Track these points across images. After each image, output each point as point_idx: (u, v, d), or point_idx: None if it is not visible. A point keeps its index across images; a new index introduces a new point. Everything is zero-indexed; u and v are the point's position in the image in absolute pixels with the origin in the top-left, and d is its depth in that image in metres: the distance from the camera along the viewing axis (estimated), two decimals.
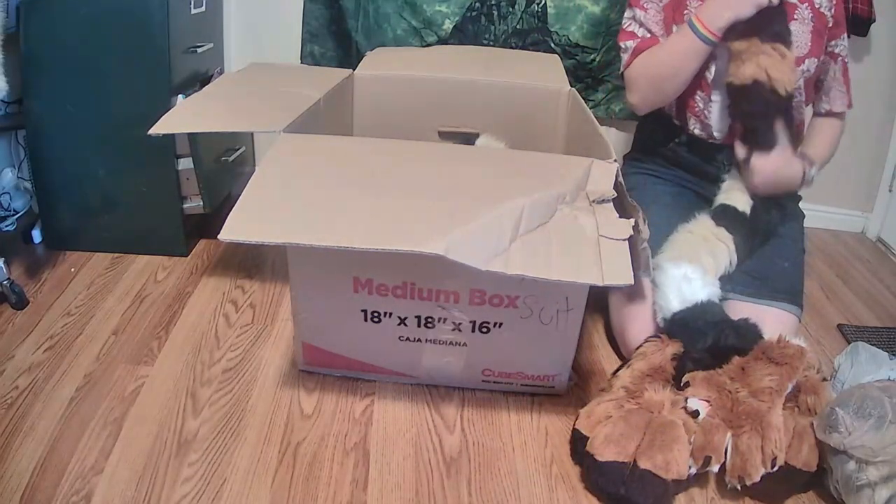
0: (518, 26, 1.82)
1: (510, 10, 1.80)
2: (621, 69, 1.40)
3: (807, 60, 1.28)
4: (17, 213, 1.70)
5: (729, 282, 1.32)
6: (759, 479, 0.98)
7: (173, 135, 1.48)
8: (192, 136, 1.53)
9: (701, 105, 1.35)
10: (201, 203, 1.60)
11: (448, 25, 1.81)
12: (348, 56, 1.85)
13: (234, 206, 0.91)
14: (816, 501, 1.05)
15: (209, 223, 1.65)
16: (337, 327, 1.17)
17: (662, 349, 1.15)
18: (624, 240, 0.93)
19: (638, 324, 1.27)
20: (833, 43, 1.34)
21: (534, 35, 1.82)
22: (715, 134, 1.37)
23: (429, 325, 1.13)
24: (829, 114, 1.41)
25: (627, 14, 1.38)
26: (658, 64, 1.31)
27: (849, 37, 1.38)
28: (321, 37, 1.87)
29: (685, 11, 1.30)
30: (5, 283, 1.37)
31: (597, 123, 1.26)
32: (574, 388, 1.25)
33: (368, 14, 1.79)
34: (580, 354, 1.33)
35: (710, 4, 1.23)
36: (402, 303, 1.11)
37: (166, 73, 1.47)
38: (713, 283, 1.22)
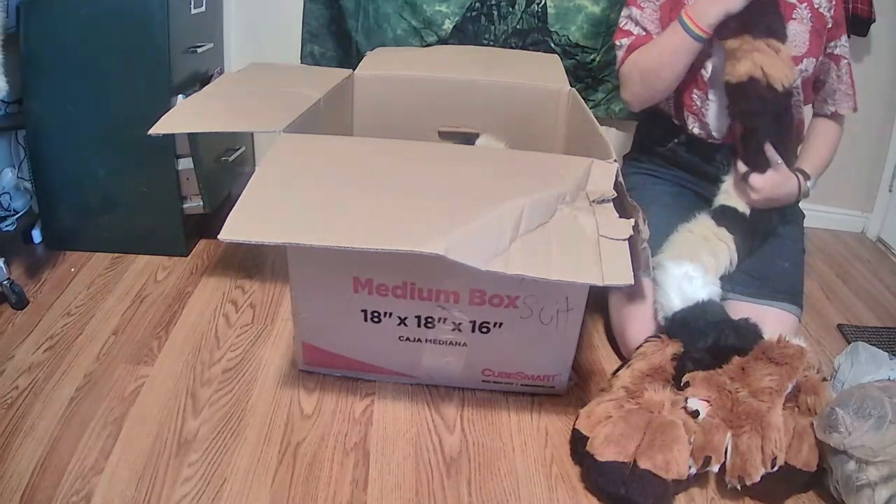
0: (518, 26, 1.82)
1: (510, 10, 1.80)
2: (616, 66, 1.40)
3: (805, 60, 1.28)
4: (17, 213, 1.70)
5: (729, 282, 1.32)
6: (759, 479, 0.98)
7: (173, 135, 1.48)
8: (192, 136, 1.53)
9: (699, 104, 1.35)
10: (201, 203, 1.60)
11: (448, 25, 1.81)
12: (348, 56, 1.85)
13: (234, 206, 0.91)
14: (816, 501, 1.05)
15: (209, 223, 1.65)
16: (337, 327, 1.17)
17: (662, 349, 1.15)
18: (624, 240, 0.93)
19: (638, 324, 1.27)
20: (832, 44, 1.33)
21: (534, 35, 1.82)
22: (714, 133, 1.37)
23: (429, 325, 1.13)
24: (834, 116, 1.40)
25: (624, 13, 1.38)
26: (649, 61, 1.32)
27: (849, 37, 1.37)
28: (321, 37, 1.87)
29: (682, 11, 1.30)
30: (5, 283, 1.37)
31: (597, 123, 1.26)
32: (574, 388, 1.25)
33: (368, 14, 1.79)
34: (580, 354, 1.33)
35: (700, 1, 1.23)
36: (402, 303, 1.11)
37: (166, 73, 1.47)
38: (714, 283, 1.22)
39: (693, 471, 1.02)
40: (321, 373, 1.24)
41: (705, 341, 1.13)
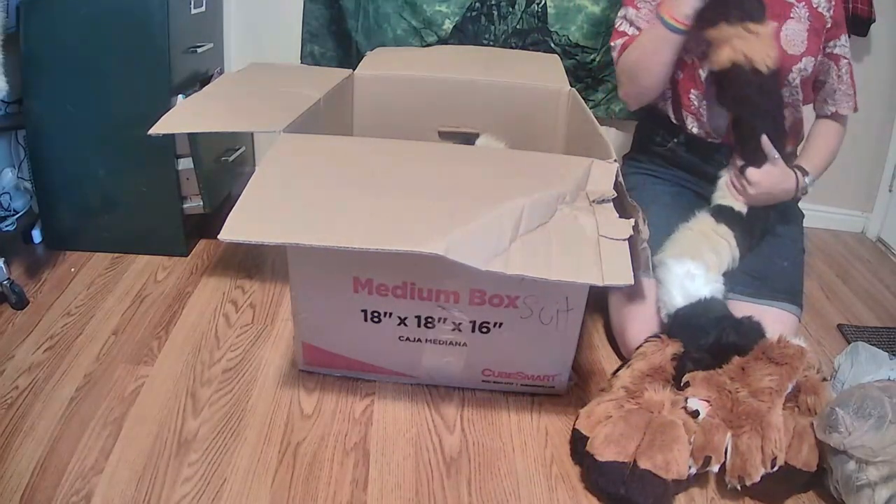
0: (518, 26, 1.82)
1: (510, 10, 1.80)
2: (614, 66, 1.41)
3: (804, 59, 1.28)
4: (17, 213, 1.70)
5: (729, 282, 1.32)
6: (759, 479, 0.98)
7: (173, 135, 1.48)
8: (192, 136, 1.53)
9: (696, 103, 1.35)
10: (201, 203, 1.60)
11: (448, 25, 1.81)
12: (348, 56, 1.85)
13: (234, 206, 0.91)
14: (816, 501, 1.05)
15: (209, 223, 1.65)
16: (337, 327, 1.17)
17: (662, 349, 1.15)
18: (624, 240, 0.93)
19: (637, 324, 1.27)
20: (832, 43, 1.33)
21: (534, 35, 1.82)
22: (713, 133, 1.36)
23: (429, 325, 1.13)
24: (835, 116, 1.40)
25: (620, 13, 1.38)
26: (634, 58, 1.33)
27: (849, 36, 1.37)
28: (321, 37, 1.87)
29: (658, 5, 1.30)
30: (5, 283, 1.37)
31: (597, 123, 1.26)
32: (574, 388, 1.25)
33: (368, 14, 1.79)
34: (580, 354, 1.33)
35: None
36: (402, 303, 1.11)
37: (166, 73, 1.47)
38: (716, 280, 1.22)
39: (693, 471, 1.02)
40: (321, 373, 1.24)
41: (707, 339, 1.13)
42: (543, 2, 1.78)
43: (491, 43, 1.84)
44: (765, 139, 1.23)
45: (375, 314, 1.13)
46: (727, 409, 1.05)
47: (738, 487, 1.00)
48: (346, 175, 1.05)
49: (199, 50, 1.61)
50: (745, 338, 1.13)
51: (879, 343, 1.37)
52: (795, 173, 1.29)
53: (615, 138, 1.93)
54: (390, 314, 1.13)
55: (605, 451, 0.99)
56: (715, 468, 1.02)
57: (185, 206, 1.60)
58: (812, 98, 1.40)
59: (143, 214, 1.59)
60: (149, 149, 1.45)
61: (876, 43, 1.87)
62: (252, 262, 1.63)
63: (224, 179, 1.72)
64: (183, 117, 1.25)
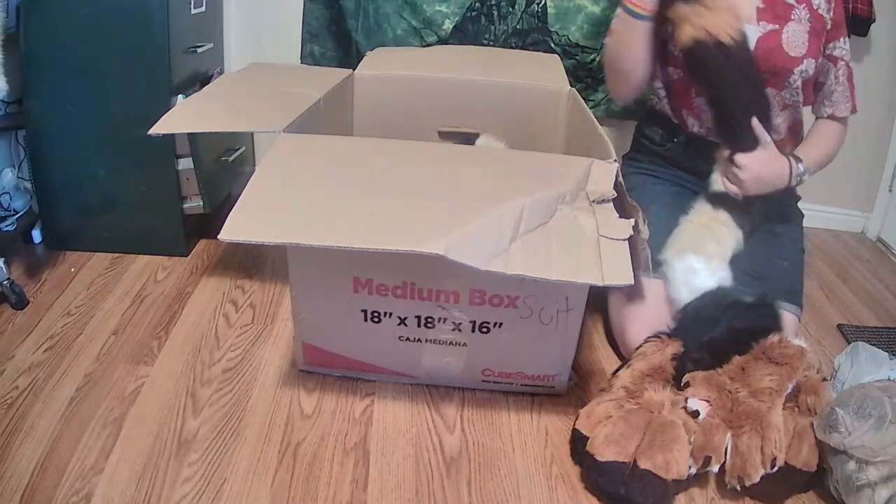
0: (518, 26, 1.82)
1: (510, 10, 1.80)
2: None
3: (805, 61, 1.28)
4: (17, 213, 1.70)
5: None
6: (758, 479, 0.98)
7: (173, 135, 1.48)
8: (192, 136, 1.53)
9: (696, 102, 1.35)
10: (201, 203, 1.60)
11: (448, 25, 1.81)
12: (348, 56, 1.85)
13: (234, 206, 0.91)
14: (816, 501, 1.05)
15: (209, 223, 1.65)
16: (337, 327, 1.17)
17: (662, 349, 1.15)
18: (624, 240, 0.93)
19: (637, 324, 1.27)
20: (831, 45, 1.33)
21: (534, 35, 1.82)
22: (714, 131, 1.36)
23: (429, 325, 1.13)
24: (832, 118, 1.40)
25: (617, 11, 1.38)
26: (610, 48, 1.34)
27: (849, 37, 1.37)
28: (321, 37, 1.87)
29: None
30: (5, 283, 1.37)
31: (597, 123, 1.26)
32: (574, 388, 1.25)
33: (368, 14, 1.79)
34: (580, 354, 1.33)
35: None
36: (402, 303, 1.11)
37: (166, 73, 1.47)
38: (721, 269, 1.22)
39: (693, 471, 1.02)
40: (321, 373, 1.24)
41: (718, 328, 1.13)
42: (543, 2, 1.78)
43: (491, 43, 1.84)
44: (755, 122, 1.21)
45: (375, 314, 1.13)
46: (727, 409, 1.05)
47: (738, 488, 1.00)
48: (346, 175, 1.05)
49: (199, 50, 1.61)
50: (760, 320, 1.12)
51: (879, 343, 1.37)
52: (788, 159, 1.27)
53: (615, 138, 1.93)
54: (390, 314, 1.13)
55: (605, 451, 0.99)
56: (715, 468, 1.02)
57: (185, 206, 1.60)
58: (812, 100, 1.40)
59: (143, 214, 1.59)
60: (149, 149, 1.45)
61: (876, 43, 1.87)
62: (252, 262, 1.63)
63: (224, 179, 1.72)
64: (183, 117, 1.25)
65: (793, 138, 1.41)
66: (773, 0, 1.28)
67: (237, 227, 0.89)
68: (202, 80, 1.69)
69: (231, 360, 1.26)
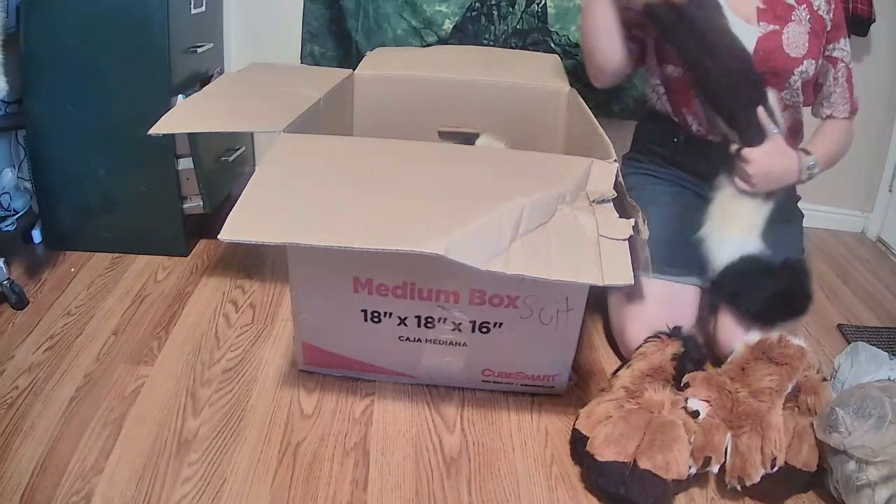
0: (518, 26, 1.82)
1: (510, 10, 1.80)
2: None
3: (805, 62, 1.28)
4: (17, 213, 1.70)
5: None
6: (758, 479, 0.98)
7: (173, 135, 1.48)
8: (192, 136, 1.53)
9: (695, 100, 1.34)
10: (201, 203, 1.60)
11: (448, 25, 1.81)
12: (348, 56, 1.85)
13: (234, 206, 0.91)
14: (816, 501, 1.05)
15: (209, 223, 1.65)
16: (337, 327, 1.17)
17: (662, 349, 1.15)
18: (624, 240, 0.93)
19: (637, 324, 1.27)
20: (831, 46, 1.33)
21: (534, 35, 1.82)
22: (713, 129, 1.36)
23: (429, 325, 1.13)
24: (831, 118, 1.39)
25: None
26: (581, 26, 1.36)
27: (849, 38, 1.37)
28: (321, 37, 1.87)
29: None
30: (5, 283, 1.37)
31: (597, 123, 1.26)
32: (574, 388, 1.25)
33: (368, 14, 1.79)
34: (580, 354, 1.33)
35: None
36: (402, 303, 1.11)
37: (166, 73, 1.47)
38: (756, 240, 1.24)
39: (693, 471, 1.02)
40: (321, 373, 1.24)
41: (762, 292, 1.17)
42: (543, 2, 1.78)
43: (491, 43, 1.84)
44: (761, 111, 1.20)
45: (375, 314, 1.13)
46: (727, 409, 1.05)
47: (738, 488, 1.00)
48: (346, 175, 1.05)
49: (199, 50, 1.61)
50: (797, 278, 1.17)
51: (879, 343, 1.37)
52: (797, 153, 1.26)
53: (615, 138, 1.92)
54: (390, 314, 1.13)
55: (605, 451, 0.99)
56: (715, 468, 1.02)
57: (185, 206, 1.60)
58: (812, 100, 1.40)
59: (143, 214, 1.59)
60: (149, 149, 1.45)
61: (876, 43, 1.87)
62: (252, 262, 1.63)
63: (224, 179, 1.72)
64: (183, 117, 1.25)
65: (793, 139, 1.40)
66: (774, 1, 1.28)
67: (237, 227, 0.89)
68: (202, 80, 1.69)
69: (231, 360, 1.26)
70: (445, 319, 1.12)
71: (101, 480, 0.98)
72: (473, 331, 1.13)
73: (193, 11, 1.61)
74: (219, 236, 0.86)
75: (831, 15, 1.30)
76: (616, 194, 1.03)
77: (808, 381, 1.09)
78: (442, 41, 1.83)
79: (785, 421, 1.02)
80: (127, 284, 1.50)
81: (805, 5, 1.28)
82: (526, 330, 1.12)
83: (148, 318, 1.38)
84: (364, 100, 1.59)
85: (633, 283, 0.87)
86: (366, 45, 1.80)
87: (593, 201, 1.01)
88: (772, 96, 1.24)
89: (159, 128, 1.17)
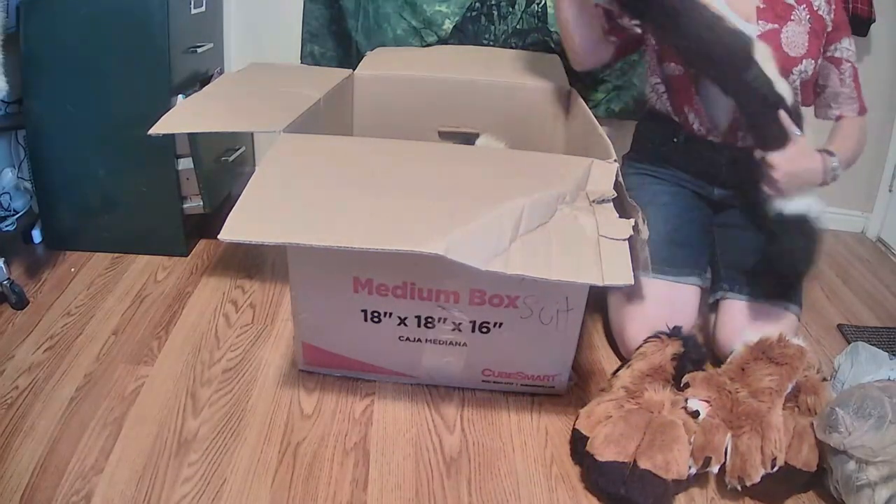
0: (518, 26, 1.82)
1: (510, 10, 1.80)
2: None
3: (804, 61, 1.28)
4: (17, 213, 1.70)
5: (727, 281, 1.32)
6: (758, 479, 0.98)
7: (173, 135, 1.48)
8: (192, 136, 1.53)
9: (696, 98, 1.34)
10: (201, 203, 1.60)
11: (448, 25, 1.81)
12: (348, 56, 1.85)
13: (234, 206, 0.91)
14: (816, 501, 1.05)
15: (209, 223, 1.65)
16: (337, 327, 1.17)
17: (662, 349, 1.15)
18: (624, 240, 0.93)
19: (637, 324, 1.27)
20: (833, 47, 1.33)
21: (534, 35, 1.82)
22: (714, 129, 1.36)
23: (429, 325, 1.13)
24: (843, 118, 1.38)
25: None
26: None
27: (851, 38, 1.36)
28: (321, 37, 1.87)
29: None
30: (5, 283, 1.37)
31: (597, 123, 1.26)
32: (574, 388, 1.25)
33: (368, 14, 1.79)
34: (580, 354, 1.33)
35: None
36: (402, 303, 1.11)
37: (166, 73, 1.47)
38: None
39: (693, 471, 1.02)
40: (321, 373, 1.24)
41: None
42: (543, 2, 1.78)
43: (491, 43, 1.84)
44: (782, 114, 1.18)
45: (375, 314, 1.13)
46: (727, 409, 1.05)
47: (738, 488, 1.00)
48: (346, 175, 1.05)
49: (199, 50, 1.61)
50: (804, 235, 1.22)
51: (879, 343, 1.37)
52: (822, 154, 1.24)
53: (615, 138, 1.92)
54: (390, 314, 1.13)
55: (605, 451, 0.99)
56: (715, 468, 1.02)
57: (185, 206, 1.60)
58: (812, 100, 1.40)
59: (143, 214, 1.59)
60: (149, 149, 1.45)
61: (876, 43, 1.87)
62: (252, 262, 1.63)
63: (224, 179, 1.72)
64: (183, 117, 1.25)
65: None
66: (774, 0, 1.28)
67: (237, 227, 0.89)
68: (202, 80, 1.69)
69: (231, 360, 1.26)
70: (445, 319, 1.12)
71: (101, 480, 0.98)
72: (473, 331, 1.13)
73: (193, 11, 1.61)
74: (219, 236, 0.86)
75: (832, 16, 1.30)
76: (616, 194, 1.03)
77: (808, 381, 1.09)
78: (442, 41, 1.83)
79: (785, 421, 1.02)
80: (127, 284, 1.50)
81: (805, 5, 1.28)
82: (526, 330, 1.12)
83: (148, 318, 1.38)
84: (364, 100, 1.59)
85: (633, 283, 0.87)
86: (366, 45, 1.80)
87: (593, 201, 1.01)
88: (789, 95, 1.21)
89: (159, 128, 1.17)
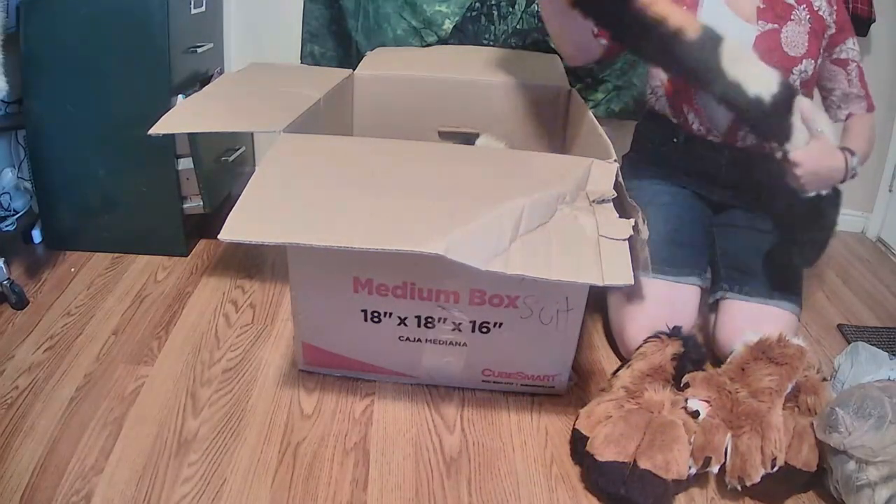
0: (518, 26, 1.82)
1: (510, 10, 1.80)
2: None
3: (804, 61, 1.28)
4: (17, 213, 1.70)
5: (727, 280, 1.32)
6: (758, 479, 0.98)
7: (173, 135, 1.48)
8: (192, 136, 1.53)
9: (696, 98, 1.34)
10: (201, 203, 1.60)
11: (448, 25, 1.81)
12: (348, 56, 1.85)
13: (234, 206, 0.91)
14: (816, 501, 1.05)
15: (209, 223, 1.65)
16: (337, 327, 1.17)
17: (662, 349, 1.15)
18: (624, 240, 0.93)
19: (637, 324, 1.27)
20: (838, 49, 1.32)
21: (534, 35, 1.82)
22: (714, 129, 1.36)
23: (429, 325, 1.13)
24: (853, 116, 1.38)
25: None
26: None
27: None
28: (321, 37, 1.87)
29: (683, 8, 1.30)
30: (5, 283, 1.37)
31: (597, 123, 1.26)
32: (574, 388, 1.25)
33: (368, 14, 1.79)
34: (580, 354, 1.33)
35: None
36: (402, 303, 1.11)
37: (166, 73, 1.47)
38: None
39: (693, 471, 1.02)
40: (321, 373, 1.24)
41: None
42: None
43: (491, 43, 1.84)
44: (805, 108, 1.15)
45: (375, 314, 1.13)
46: (727, 409, 1.05)
47: (739, 488, 1.00)
48: (346, 175, 1.05)
49: (199, 50, 1.61)
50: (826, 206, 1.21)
51: (879, 343, 1.37)
52: (844, 153, 1.22)
53: (615, 138, 1.92)
54: (390, 314, 1.13)
55: (605, 451, 0.99)
56: (715, 468, 1.02)
57: (185, 206, 1.60)
58: (823, 102, 1.39)
59: (143, 214, 1.59)
60: (149, 149, 1.45)
61: (876, 43, 1.87)
62: (252, 262, 1.63)
63: (224, 179, 1.72)
64: (183, 117, 1.25)
65: None
66: (774, 0, 1.28)
67: (237, 227, 0.89)
68: (202, 80, 1.69)
69: (231, 360, 1.26)
70: (445, 319, 1.12)
71: (101, 480, 0.98)
72: (473, 331, 1.13)
73: (193, 11, 1.61)
74: (219, 236, 0.86)
75: (833, 17, 1.30)
76: (616, 194, 1.03)
77: (808, 381, 1.09)
78: (442, 41, 1.83)
79: (785, 421, 1.02)
80: (127, 284, 1.50)
81: (805, 5, 1.28)
82: (526, 330, 1.12)
83: (148, 318, 1.38)
84: (364, 100, 1.59)
85: (633, 283, 0.87)
86: (366, 45, 1.80)
87: (593, 201, 1.01)
88: (770, 86, 1.15)
89: (159, 128, 1.17)
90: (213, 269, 1.59)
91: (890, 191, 2.05)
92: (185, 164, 1.56)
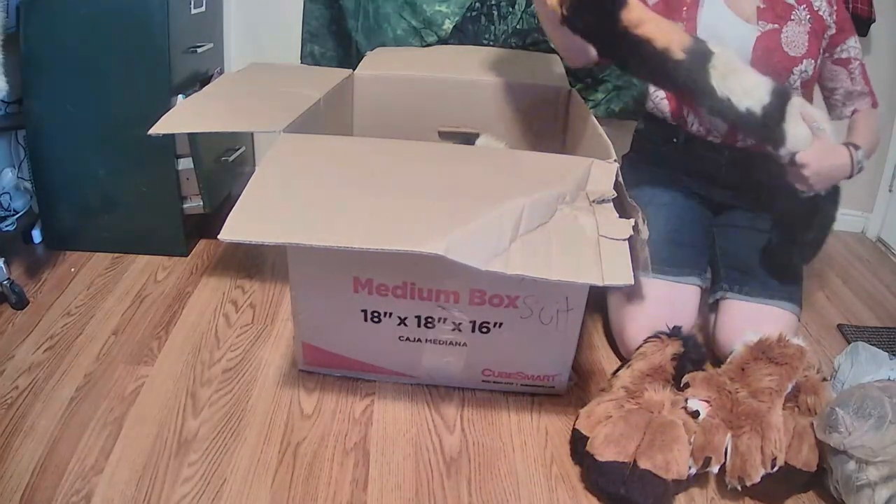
0: (518, 26, 1.82)
1: (510, 10, 1.80)
2: None
3: (804, 61, 1.28)
4: (17, 213, 1.70)
5: (727, 281, 1.32)
6: (758, 479, 0.98)
7: (173, 135, 1.48)
8: (192, 136, 1.53)
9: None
10: (201, 203, 1.60)
11: (448, 25, 1.81)
12: (348, 56, 1.85)
13: (234, 206, 0.91)
14: (816, 501, 1.05)
15: (209, 223, 1.65)
16: (337, 327, 1.17)
17: (662, 349, 1.15)
18: (624, 240, 0.93)
19: (636, 324, 1.27)
20: (840, 48, 1.32)
21: (534, 35, 1.82)
22: (713, 130, 1.36)
23: (429, 325, 1.13)
24: (858, 112, 1.37)
25: None
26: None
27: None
28: (321, 37, 1.87)
29: (683, 9, 1.30)
30: (5, 283, 1.37)
31: (597, 123, 1.26)
32: (574, 388, 1.25)
33: (368, 14, 1.79)
34: (580, 354, 1.33)
35: None
36: (402, 303, 1.11)
37: (166, 73, 1.47)
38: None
39: (693, 471, 1.02)
40: (321, 373, 1.24)
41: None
42: None
43: (491, 43, 1.84)
44: (804, 108, 1.15)
45: (375, 314, 1.13)
46: (727, 409, 1.05)
47: (739, 488, 1.00)
48: (346, 175, 1.05)
49: (199, 50, 1.61)
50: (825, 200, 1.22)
51: (879, 343, 1.37)
52: (848, 148, 1.22)
53: (615, 138, 1.92)
54: (390, 314, 1.13)
55: (605, 451, 0.99)
56: (715, 468, 1.02)
57: (185, 206, 1.60)
58: (812, 100, 1.39)
59: (143, 214, 1.59)
60: (149, 149, 1.45)
61: (876, 43, 1.87)
62: (252, 262, 1.63)
63: (224, 179, 1.72)
64: (183, 117, 1.25)
65: None
66: (774, 0, 1.28)
67: (237, 227, 0.89)
68: (202, 80, 1.69)
69: (231, 360, 1.26)
70: (445, 319, 1.12)
71: (101, 480, 0.98)
72: (473, 331, 1.13)
73: (193, 11, 1.61)
74: (219, 236, 0.86)
75: (834, 17, 1.30)
76: (616, 194, 1.03)
77: (808, 381, 1.09)
78: (442, 41, 1.83)
79: (785, 421, 1.02)
80: (127, 284, 1.50)
81: (805, 5, 1.28)
82: (526, 330, 1.12)
83: (148, 318, 1.38)
84: (364, 100, 1.59)
85: (633, 283, 0.87)
86: (366, 45, 1.80)
87: (593, 201, 1.01)
88: (761, 97, 1.15)
89: (159, 128, 1.17)
90: (213, 269, 1.59)
91: (890, 191, 2.05)
92: (185, 164, 1.56)
